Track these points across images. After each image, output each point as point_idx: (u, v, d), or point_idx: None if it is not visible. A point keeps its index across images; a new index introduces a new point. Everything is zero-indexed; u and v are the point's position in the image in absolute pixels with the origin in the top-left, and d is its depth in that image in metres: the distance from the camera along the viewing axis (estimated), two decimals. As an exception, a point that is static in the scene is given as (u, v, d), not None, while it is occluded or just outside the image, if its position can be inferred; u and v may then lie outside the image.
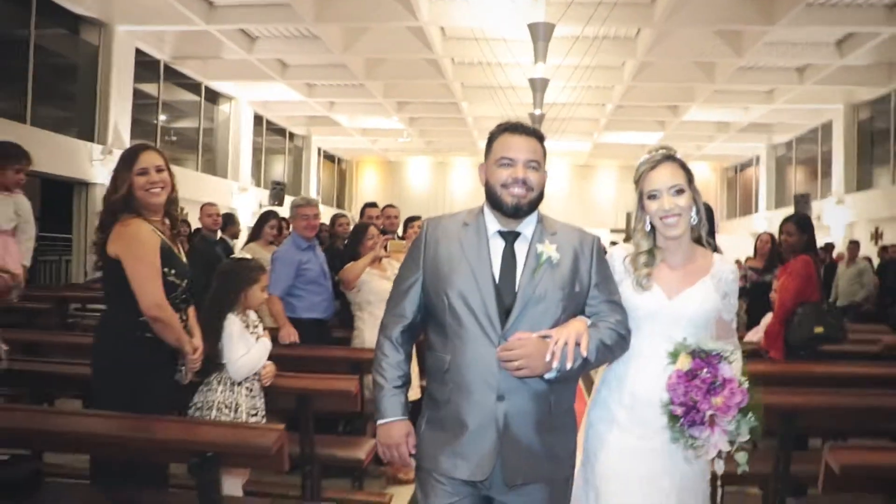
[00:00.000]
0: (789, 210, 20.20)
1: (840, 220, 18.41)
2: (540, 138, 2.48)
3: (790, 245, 5.40)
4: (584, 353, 2.27)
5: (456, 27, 13.97)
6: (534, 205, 2.43)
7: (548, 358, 2.23)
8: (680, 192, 2.55)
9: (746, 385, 2.32)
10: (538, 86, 13.18)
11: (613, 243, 7.24)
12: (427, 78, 16.41)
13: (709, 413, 2.29)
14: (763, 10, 11.88)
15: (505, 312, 2.32)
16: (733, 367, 2.34)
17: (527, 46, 12.08)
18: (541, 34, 10.55)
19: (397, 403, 2.41)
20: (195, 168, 18.10)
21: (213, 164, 19.12)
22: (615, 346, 2.41)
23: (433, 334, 2.45)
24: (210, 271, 4.96)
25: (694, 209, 2.60)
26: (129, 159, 3.33)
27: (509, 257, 2.40)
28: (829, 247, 13.41)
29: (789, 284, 5.24)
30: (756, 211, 25.00)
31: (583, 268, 2.44)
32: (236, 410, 3.69)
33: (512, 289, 2.35)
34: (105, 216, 3.33)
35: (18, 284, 4.21)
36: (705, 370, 2.30)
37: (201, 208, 7.44)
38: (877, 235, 16.57)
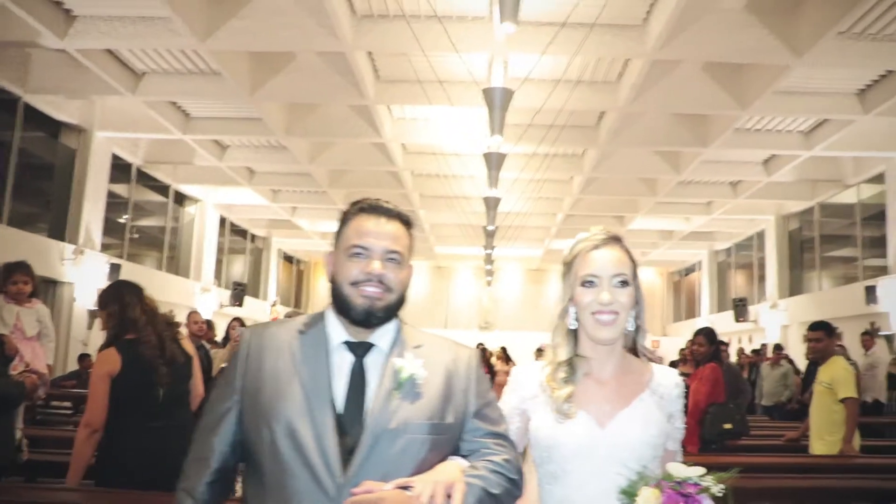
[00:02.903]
0: (730, 313, 21.39)
1: (775, 322, 19.41)
2: (406, 223, 1.94)
3: (700, 354, 6.39)
4: None
5: (416, 143, 14.98)
6: (391, 310, 1.87)
7: None
8: (624, 283, 2.01)
9: None
10: (491, 204, 14.12)
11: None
12: (388, 188, 17.20)
13: None
14: (697, 134, 13.07)
15: (349, 452, 1.71)
16: None
17: (481, 160, 13.03)
18: (493, 163, 11.51)
19: None
20: (159, 267, 18.55)
21: (177, 264, 19.58)
22: (504, 495, 1.79)
23: (249, 484, 1.83)
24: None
25: (633, 313, 2.05)
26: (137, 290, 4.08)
27: (358, 377, 1.81)
28: (761, 349, 14.23)
29: (701, 388, 6.26)
30: (699, 315, 25.95)
31: (458, 391, 1.87)
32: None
33: (360, 419, 1.75)
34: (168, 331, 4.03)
35: (45, 383, 4.76)
36: None
37: (188, 316, 7.95)
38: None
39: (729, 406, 6.32)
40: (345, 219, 1.92)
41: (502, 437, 1.90)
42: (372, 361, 1.84)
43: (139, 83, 11.70)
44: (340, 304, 1.85)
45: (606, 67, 11.17)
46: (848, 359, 10.73)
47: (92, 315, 13.47)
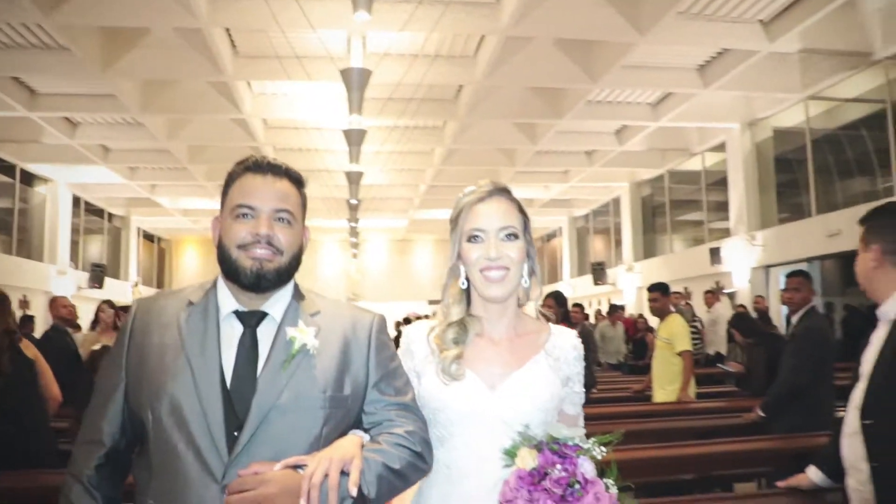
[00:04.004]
0: (590, 277, 22.37)
1: (631, 285, 20.54)
2: (295, 181, 1.82)
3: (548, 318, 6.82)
4: (354, 490, 1.55)
5: (276, 119, 14.90)
6: (283, 274, 1.75)
7: (301, 502, 1.50)
8: (512, 236, 1.89)
9: (615, 490, 1.65)
10: (354, 178, 14.22)
11: (426, 316, 8.22)
12: (250, 163, 16.93)
13: None
14: (551, 106, 13.60)
15: (237, 431, 1.60)
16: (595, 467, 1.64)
17: (343, 135, 13.11)
18: (354, 140, 11.62)
19: None
20: (9, 251, 17.66)
21: (29, 247, 18.72)
22: (407, 469, 1.70)
23: (138, 468, 1.70)
24: (67, 363, 5.54)
25: (526, 266, 1.94)
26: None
27: (248, 348, 1.70)
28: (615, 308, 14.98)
29: None
30: (561, 279, 27.00)
31: (356, 360, 1.77)
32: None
33: (250, 395, 1.63)
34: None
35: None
36: (558, 467, 1.61)
37: (53, 301, 7.56)
38: (660, 299, 18.53)
39: None
40: (230, 179, 1.79)
41: (407, 407, 1.79)
42: (264, 331, 1.73)
43: (-24, 58, 11.07)
44: (228, 269, 1.72)
45: (463, 43, 11.45)
46: (693, 315, 11.63)
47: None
